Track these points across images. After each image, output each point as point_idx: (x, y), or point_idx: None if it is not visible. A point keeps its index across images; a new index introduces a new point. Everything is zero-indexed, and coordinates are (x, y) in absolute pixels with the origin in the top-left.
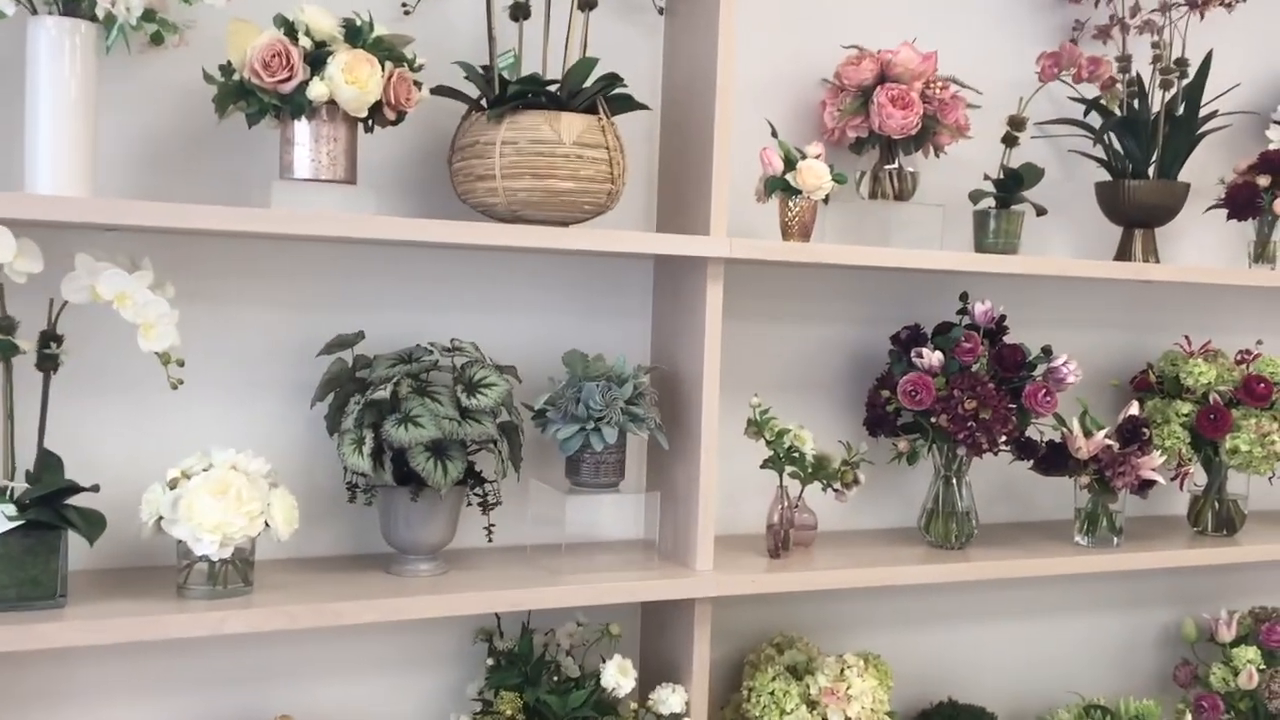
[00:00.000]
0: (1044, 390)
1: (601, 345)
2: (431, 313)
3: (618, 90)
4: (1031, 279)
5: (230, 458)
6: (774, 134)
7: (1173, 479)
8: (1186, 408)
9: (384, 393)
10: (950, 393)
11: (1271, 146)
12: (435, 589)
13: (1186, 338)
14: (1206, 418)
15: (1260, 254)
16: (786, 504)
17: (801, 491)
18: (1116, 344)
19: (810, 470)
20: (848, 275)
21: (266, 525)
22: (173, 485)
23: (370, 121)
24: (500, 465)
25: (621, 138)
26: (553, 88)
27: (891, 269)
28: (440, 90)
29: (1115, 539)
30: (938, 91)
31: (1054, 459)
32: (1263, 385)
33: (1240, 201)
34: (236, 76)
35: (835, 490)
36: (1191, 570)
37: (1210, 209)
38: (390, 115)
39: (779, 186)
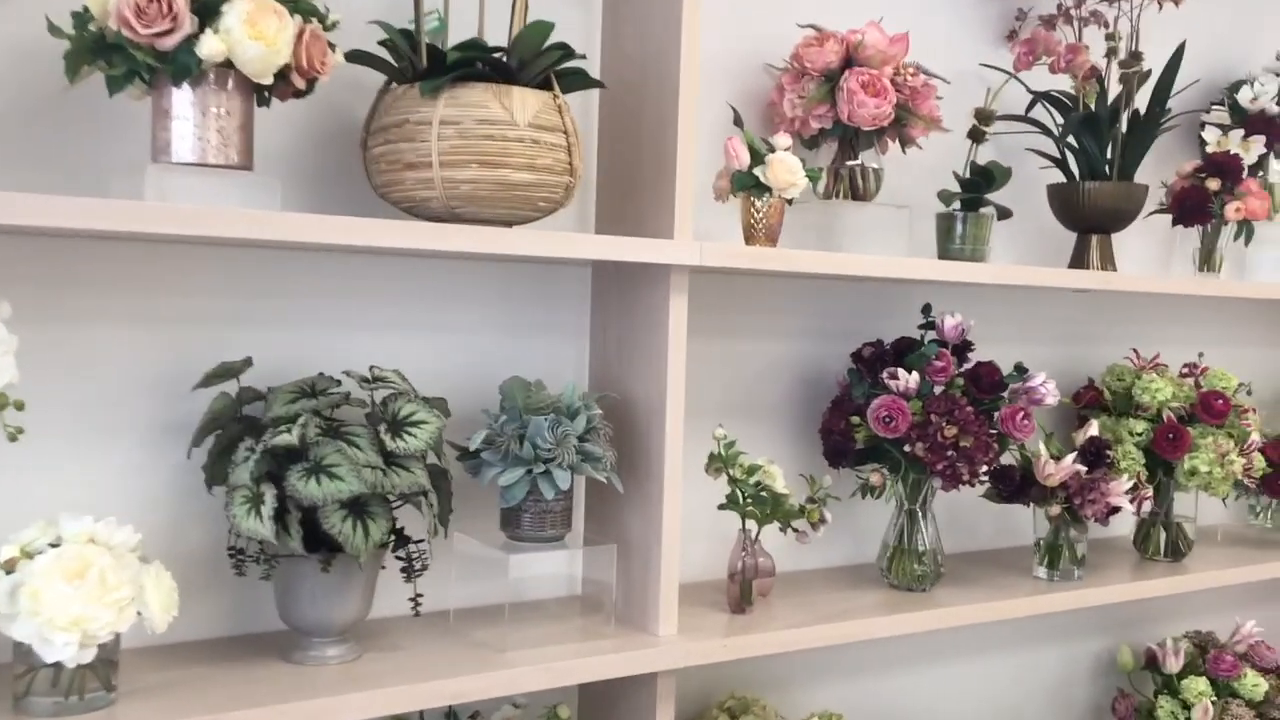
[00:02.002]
0: (1022, 413)
1: (529, 368)
2: (331, 332)
3: (573, 64)
4: (956, 287)
5: (86, 528)
6: (737, 122)
7: (1130, 502)
8: (1140, 426)
9: (290, 436)
10: (927, 418)
11: (1208, 148)
12: (351, 681)
13: (1135, 351)
14: (1165, 437)
15: (1207, 261)
16: (749, 550)
17: (758, 533)
18: (1053, 357)
19: (771, 510)
20: (790, 285)
21: (139, 615)
22: (9, 569)
23: (268, 92)
24: (431, 522)
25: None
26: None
27: (841, 277)
28: (358, 57)
29: (1077, 571)
30: (908, 78)
31: (1020, 486)
32: (1221, 402)
33: (1190, 206)
34: (95, 28)
35: (797, 531)
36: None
37: (1153, 213)
38: (299, 83)
39: (747, 184)
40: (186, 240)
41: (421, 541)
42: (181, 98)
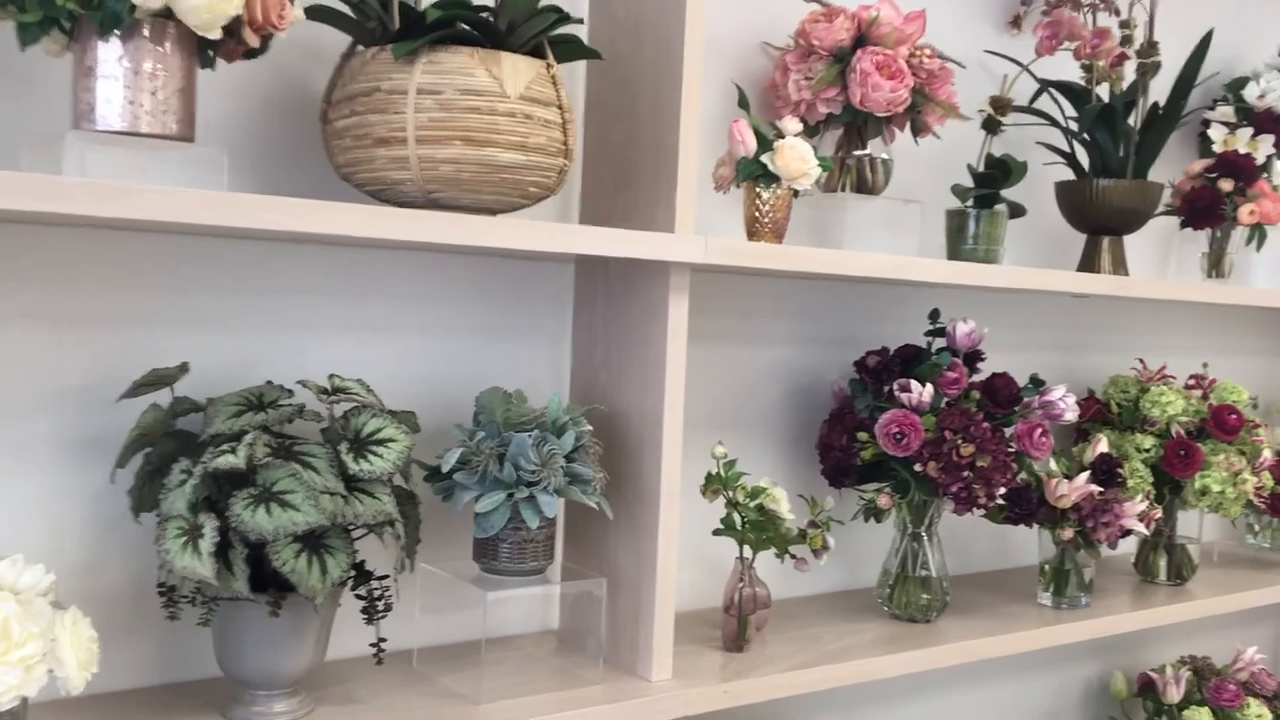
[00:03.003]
0: (1040, 429)
1: (503, 376)
2: (279, 334)
3: (566, 29)
4: (953, 290)
5: None
6: (742, 103)
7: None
8: (1149, 442)
9: (235, 458)
10: (940, 435)
11: (1215, 147)
12: None
13: (1142, 361)
14: (1176, 454)
15: (1216, 266)
16: (747, 580)
17: (753, 560)
18: (1047, 366)
19: (771, 535)
20: (778, 285)
21: (50, 673)
22: None
23: (214, 51)
24: (399, 556)
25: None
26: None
27: (839, 278)
28: (320, 12)
29: (1084, 597)
30: (925, 60)
31: (1029, 507)
32: (1234, 417)
33: (1201, 208)
34: None
35: (795, 559)
36: None
37: (1161, 214)
38: (251, 40)
39: (754, 172)
40: (112, 224)
41: (386, 578)
42: (109, 53)
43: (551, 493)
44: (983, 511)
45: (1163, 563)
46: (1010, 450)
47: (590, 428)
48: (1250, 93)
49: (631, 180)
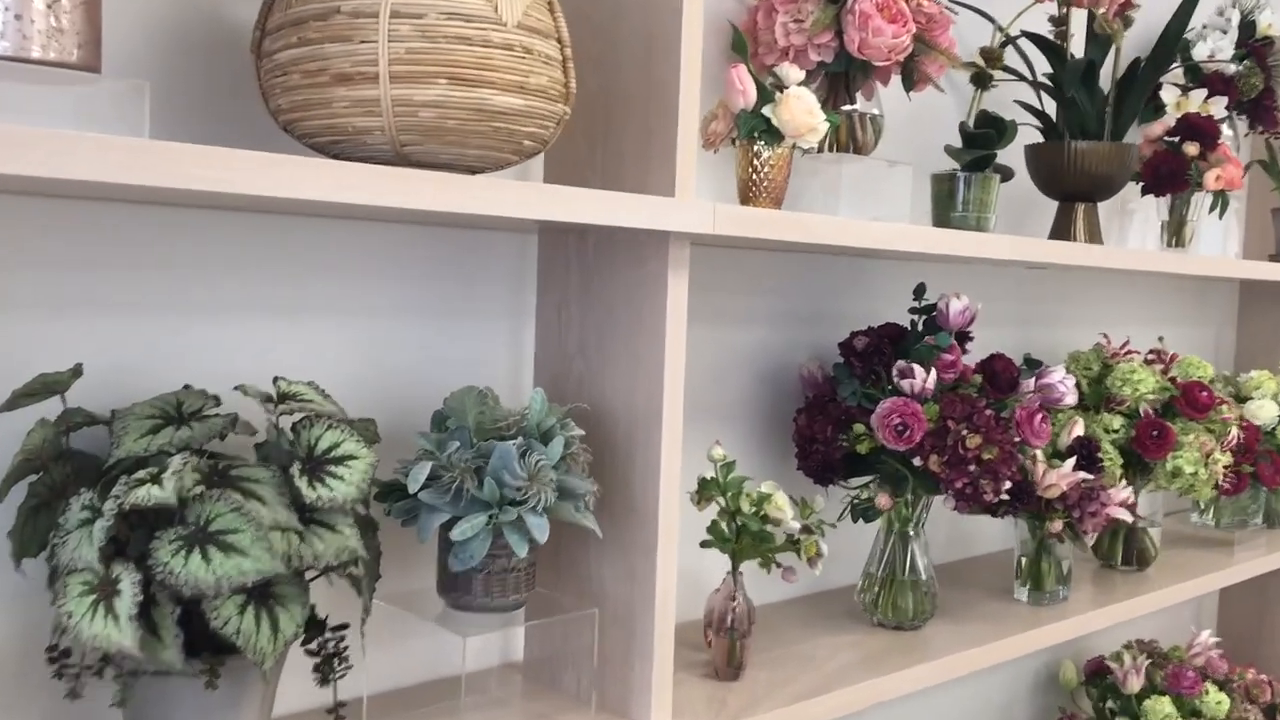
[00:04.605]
0: (1041, 414)
1: (453, 366)
2: (190, 323)
3: None
4: (902, 258)
5: None
6: (738, 46)
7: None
8: (1118, 422)
9: (161, 490)
10: (943, 425)
11: (1167, 111)
12: None
13: (1106, 336)
14: (1149, 434)
15: (1176, 235)
16: (740, 600)
17: (733, 569)
18: (1002, 341)
19: (759, 544)
20: (739, 257)
21: None
22: None
23: None
24: (366, 601)
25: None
26: None
27: (810, 248)
28: None
29: (1063, 590)
30: (923, 3)
31: (1029, 501)
32: (1205, 394)
33: (1165, 174)
34: None
35: (784, 568)
36: None
37: None
38: None
39: (756, 127)
40: None
41: (344, 628)
42: None
43: (541, 512)
44: (981, 508)
45: (1120, 547)
46: (1016, 440)
47: (581, 432)
48: (1199, 52)
49: (612, 135)
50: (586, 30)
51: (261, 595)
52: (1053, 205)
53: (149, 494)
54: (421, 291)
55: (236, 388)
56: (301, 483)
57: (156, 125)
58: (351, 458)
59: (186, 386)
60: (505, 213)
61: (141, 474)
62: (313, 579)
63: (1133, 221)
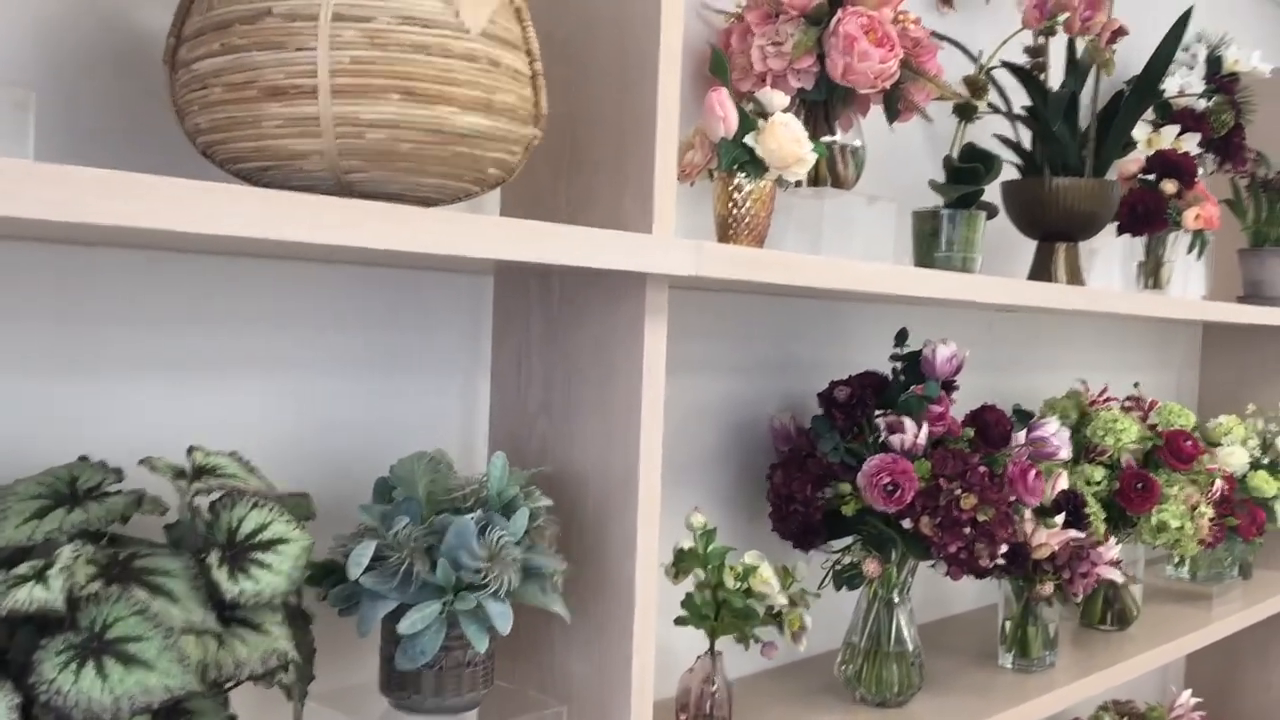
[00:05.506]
0: (1035, 471)
1: (401, 427)
2: (88, 378)
3: None
4: (870, 300)
5: None
6: (717, 69)
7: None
8: (1099, 474)
9: (46, 591)
10: (935, 484)
11: (1138, 148)
12: None
13: (1084, 382)
14: (1133, 487)
15: (1154, 276)
16: (719, 684)
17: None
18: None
19: (754, 621)
20: (707, 300)
21: None
22: None
23: None
24: (297, 709)
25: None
26: None
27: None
28: None
29: (1049, 656)
30: (910, 26)
31: (1022, 564)
32: (1190, 444)
33: (1143, 213)
34: None
35: (763, 644)
36: None
37: None
38: None
39: (739, 158)
40: None
41: None
42: None
43: (504, 597)
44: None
45: (1099, 605)
46: (1011, 499)
47: (548, 501)
48: (1169, 87)
49: (580, 165)
50: (552, 49)
51: (170, 717)
52: (1024, 244)
53: (31, 596)
54: (362, 342)
55: (143, 461)
56: (221, 574)
57: (44, 145)
58: (281, 541)
59: (82, 458)
60: (471, 253)
61: (23, 569)
62: (233, 687)
63: (1095, 261)
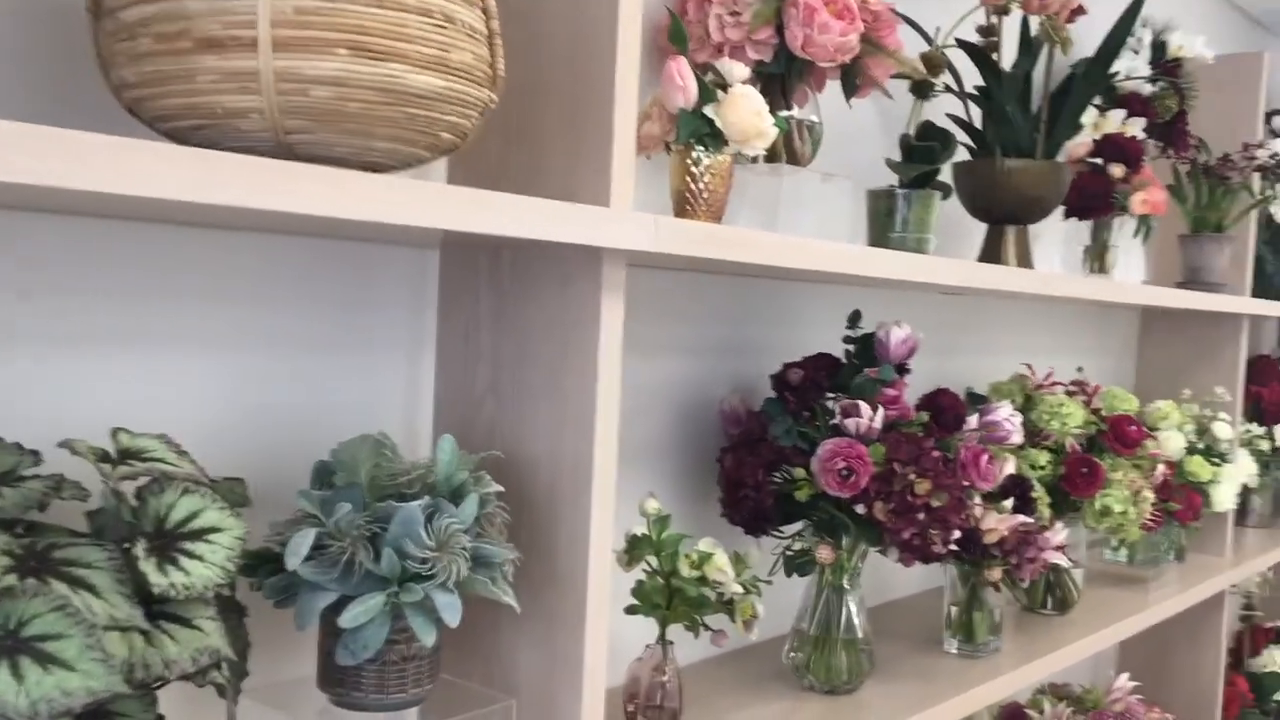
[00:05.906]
0: (987, 455)
1: (339, 408)
2: (2, 354)
3: None
4: (785, 283)
5: None
6: (677, 38)
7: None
8: (1044, 458)
9: None
10: (889, 469)
11: (1084, 131)
12: None
13: (1030, 367)
14: (1078, 471)
15: (1099, 260)
16: (670, 675)
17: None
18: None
19: (707, 608)
20: (653, 279)
21: None
22: None
23: None
24: (230, 710)
25: None
26: None
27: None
28: None
29: (994, 641)
30: (870, 0)
31: (975, 549)
32: (1135, 429)
33: (1090, 197)
34: None
35: (713, 632)
36: None
37: None
38: None
39: (698, 130)
40: None
41: None
42: None
43: (452, 588)
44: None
45: (1040, 589)
46: (965, 484)
47: (499, 487)
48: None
49: (532, 134)
50: (503, 10)
51: (96, 719)
52: (972, 228)
53: None
54: (300, 318)
55: (63, 443)
56: (148, 566)
57: None
58: (214, 530)
59: None
60: (419, 222)
61: None
62: (160, 687)
63: (1037, 245)
